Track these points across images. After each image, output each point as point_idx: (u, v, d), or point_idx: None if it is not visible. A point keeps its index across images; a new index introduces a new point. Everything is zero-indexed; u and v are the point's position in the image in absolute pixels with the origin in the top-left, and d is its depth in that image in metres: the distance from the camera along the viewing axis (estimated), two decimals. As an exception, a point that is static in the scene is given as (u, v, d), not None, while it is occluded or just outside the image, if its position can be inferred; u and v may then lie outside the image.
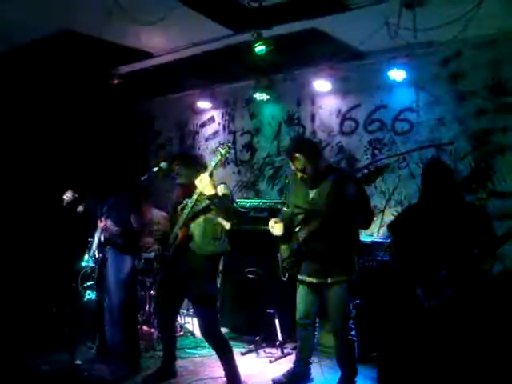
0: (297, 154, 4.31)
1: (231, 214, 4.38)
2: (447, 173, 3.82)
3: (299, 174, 4.37)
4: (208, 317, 4.47)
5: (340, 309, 4.30)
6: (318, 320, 4.73)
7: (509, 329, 3.97)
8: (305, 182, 4.40)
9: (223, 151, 4.20)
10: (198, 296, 4.45)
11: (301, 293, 4.52)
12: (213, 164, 4.22)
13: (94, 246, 5.02)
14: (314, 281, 4.35)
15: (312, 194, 4.37)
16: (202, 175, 4.17)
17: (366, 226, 4.45)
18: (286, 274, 4.47)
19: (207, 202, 4.31)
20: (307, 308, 4.49)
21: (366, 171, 3.98)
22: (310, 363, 4.65)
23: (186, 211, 4.38)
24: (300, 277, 4.43)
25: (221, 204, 4.24)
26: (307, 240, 4.26)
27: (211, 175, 4.20)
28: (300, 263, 4.38)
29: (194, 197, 4.31)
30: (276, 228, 4.43)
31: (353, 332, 4.35)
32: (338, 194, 4.11)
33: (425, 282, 3.55)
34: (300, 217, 4.38)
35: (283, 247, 4.51)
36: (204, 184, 4.14)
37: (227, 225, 4.39)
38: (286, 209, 4.62)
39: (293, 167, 4.39)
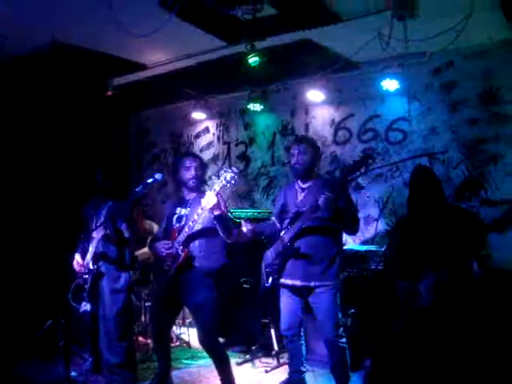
0: (305, 145, 4.38)
1: (232, 231, 4.45)
2: (432, 178, 3.88)
3: (293, 161, 4.40)
4: (208, 326, 4.46)
5: (329, 316, 4.25)
6: (303, 329, 4.64)
7: (503, 333, 4.00)
8: (296, 172, 4.43)
9: (229, 177, 4.16)
10: (198, 305, 4.44)
11: (284, 302, 4.47)
12: (218, 186, 4.17)
13: (89, 256, 5.01)
14: (297, 283, 4.30)
15: (300, 196, 4.42)
16: (208, 194, 4.18)
17: (352, 231, 4.44)
18: (270, 279, 4.41)
19: (208, 220, 4.36)
20: (291, 318, 4.44)
21: (352, 162, 3.96)
22: (304, 372, 4.62)
23: (186, 229, 4.36)
24: (282, 280, 4.37)
25: (225, 222, 4.34)
26: (292, 241, 4.25)
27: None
28: (284, 266, 4.34)
29: (195, 216, 4.31)
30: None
31: (343, 339, 4.31)
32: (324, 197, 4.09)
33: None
34: (287, 220, 4.39)
35: (267, 252, 4.49)
36: (212, 204, 4.14)
37: (228, 239, 4.44)
38: (272, 218, 4.74)
39: (294, 160, 4.39)
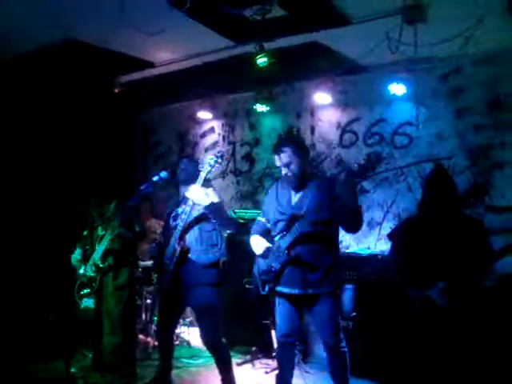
0: (284, 148, 4.01)
1: (229, 219, 4.44)
2: (448, 182, 3.87)
3: (284, 171, 4.04)
4: (211, 326, 4.45)
5: (329, 323, 4.02)
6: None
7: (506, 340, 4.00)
8: (288, 181, 4.08)
9: (212, 161, 4.25)
10: (201, 305, 4.43)
11: (280, 308, 4.15)
12: (202, 176, 4.24)
13: (97, 255, 5.02)
14: (295, 292, 3.99)
15: (295, 198, 4.08)
16: (192, 187, 4.22)
17: (355, 227, 3.98)
18: (266, 287, 4.09)
19: (201, 211, 4.35)
20: (289, 327, 4.11)
21: (360, 162, 3.70)
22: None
23: (180, 223, 4.38)
24: (279, 288, 4.06)
25: (218, 212, 4.31)
26: (289, 248, 3.94)
27: (202, 185, 4.25)
28: (280, 274, 4.02)
29: (187, 208, 4.32)
30: (258, 247, 4.17)
31: (343, 344, 4.15)
32: (323, 199, 3.90)
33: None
34: (281, 224, 4.05)
35: (261, 258, 4.17)
36: (197, 195, 4.17)
37: (226, 230, 4.41)
38: (261, 218, 4.30)
39: (278, 163, 4.04)
